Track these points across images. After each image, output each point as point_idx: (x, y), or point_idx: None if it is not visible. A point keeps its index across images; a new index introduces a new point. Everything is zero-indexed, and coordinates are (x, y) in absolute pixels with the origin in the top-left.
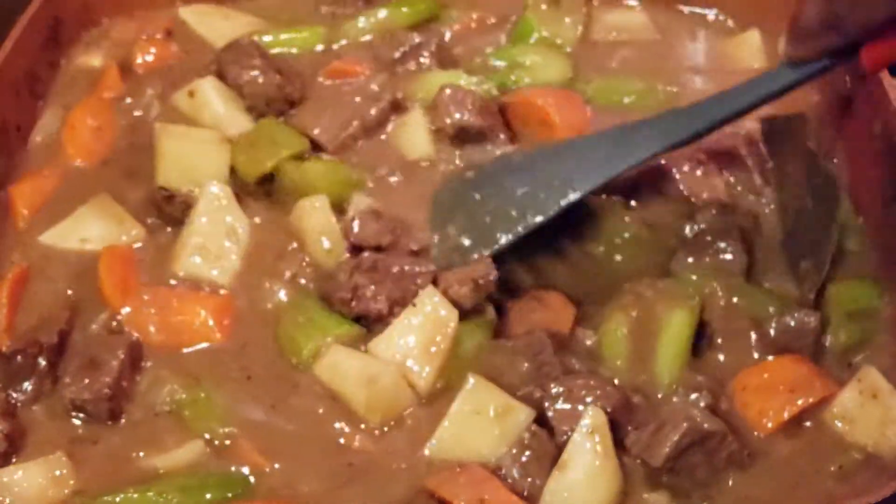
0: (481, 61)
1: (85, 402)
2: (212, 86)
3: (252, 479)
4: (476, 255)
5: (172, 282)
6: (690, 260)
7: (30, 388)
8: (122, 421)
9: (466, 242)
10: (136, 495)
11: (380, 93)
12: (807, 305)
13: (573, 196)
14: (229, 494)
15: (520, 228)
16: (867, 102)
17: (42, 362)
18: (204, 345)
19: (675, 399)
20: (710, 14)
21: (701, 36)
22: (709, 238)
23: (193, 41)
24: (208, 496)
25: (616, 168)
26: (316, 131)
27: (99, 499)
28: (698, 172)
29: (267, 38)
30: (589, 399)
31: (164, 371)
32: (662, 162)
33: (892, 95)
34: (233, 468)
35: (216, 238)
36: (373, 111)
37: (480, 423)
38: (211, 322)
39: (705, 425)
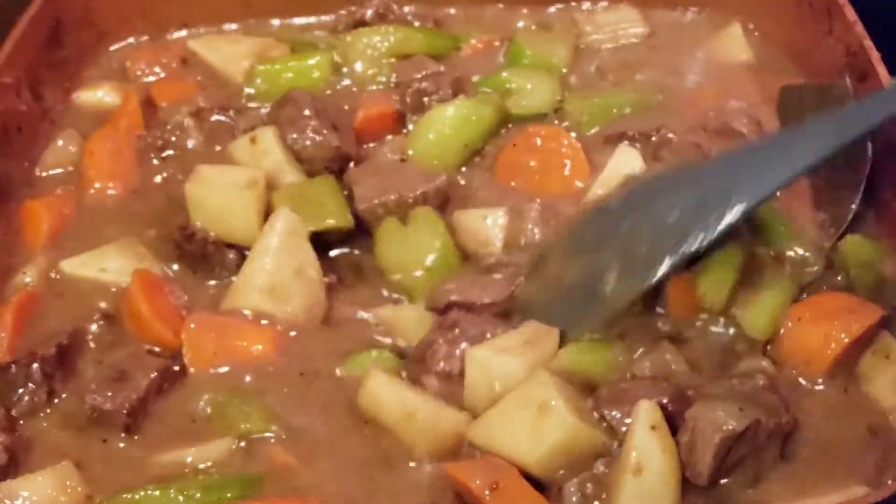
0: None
1: (105, 411)
2: (273, 134)
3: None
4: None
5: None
6: None
7: (25, 398)
8: (136, 437)
9: (613, 275)
10: (156, 492)
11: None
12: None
13: (739, 209)
14: (249, 493)
15: (682, 250)
16: None
17: (37, 372)
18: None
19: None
20: (690, 13)
21: (685, 34)
22: None
23: (208, 70)
24: (229, 494)
25: (782, 175)
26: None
27: (118, 497)
28: None
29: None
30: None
31: (204, 387)
32: None
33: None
34: (255, 469)
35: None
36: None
37: (524, 416)
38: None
39: (734, 426)
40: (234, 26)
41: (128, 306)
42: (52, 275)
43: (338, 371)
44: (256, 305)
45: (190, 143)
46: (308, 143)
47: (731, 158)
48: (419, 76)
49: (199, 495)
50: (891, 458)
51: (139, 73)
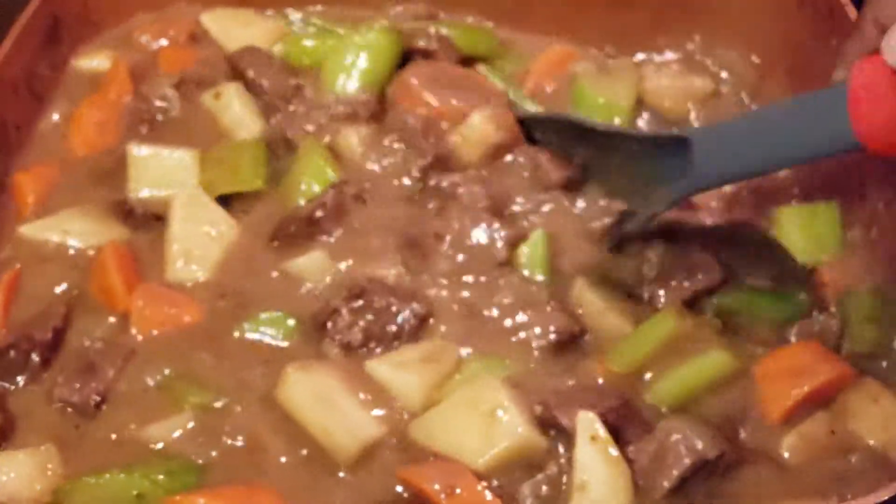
0: None
1: (73, 403)
2: (236, 90)
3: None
4: None
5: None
6: None
7: (22, 382)
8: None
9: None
10: (122, 476)
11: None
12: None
13: None
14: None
15: None
16: None
17: (35, 358)
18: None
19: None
20: None
21: None
22: None
23: (214, 46)
24: (193, 479)
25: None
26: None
27: (83, 479)
28: None
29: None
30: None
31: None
32: None
33: None
34: (213, 453)
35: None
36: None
37: (472, 419)
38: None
39: (707, 453)
40: None
41: (99, 279)
42: (33, 243)
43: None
44: (178, 274)
45: (173, 114)
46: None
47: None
48: None
49: (162, 478)
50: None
51: (144, 41)
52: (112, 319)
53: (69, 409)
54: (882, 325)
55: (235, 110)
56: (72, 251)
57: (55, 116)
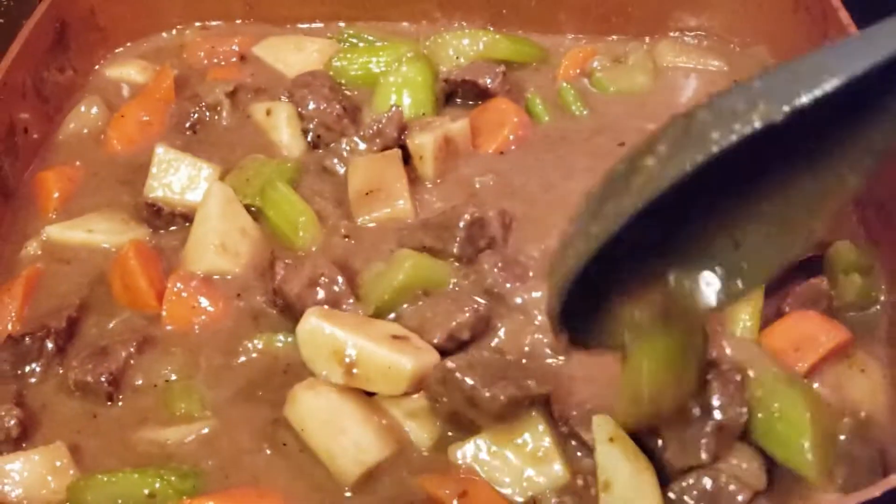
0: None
1: (87, 384)
2: (286, 110)
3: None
4: None
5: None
6: None
7: (38, 369)
8: (120, 403)
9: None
10: (135, 475)
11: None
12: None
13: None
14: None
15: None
16: None
17: (50, 345)
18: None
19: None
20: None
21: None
22: None
23: (266, 66)
24: (203, 483)
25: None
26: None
27: (97, 477)
28: None
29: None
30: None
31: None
32: None
33: None
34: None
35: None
36: None
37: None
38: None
39: (761, 486)
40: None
41: (122, 276)
42: (55, 243)
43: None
44: (211, 264)
45: (223, 122)
46: (314, 107)
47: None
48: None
49: (174, 479)
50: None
51: (196, 57)
52: (127, 313)
53: (85, 398)
54: (864, 272)
55: (282, 130)
56: (95, 250)
57: (85, 110)
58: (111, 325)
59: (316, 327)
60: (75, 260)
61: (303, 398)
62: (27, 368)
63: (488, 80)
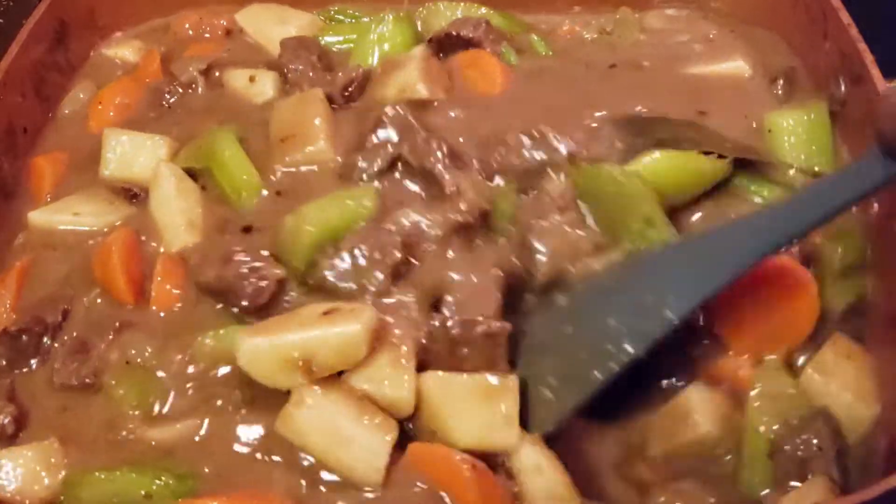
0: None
1: (72, 387)
2: (271, 77)
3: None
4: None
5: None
6: None
7: (35, 365)
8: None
9: (554, 383)
10: (133, 474)
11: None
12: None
13: (668, 321)
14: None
15: (615, 366)
16: (860, 105)
17: (47, 341)
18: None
19: None
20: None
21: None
22: None
23: (247, 40)
24: (201, 485)
25: (718, 279)
26: None
27: (94, 474)
28: None
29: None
30: None
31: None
32: None
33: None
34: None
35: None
36: None
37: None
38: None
39: None
40: None
41: (102, 269)
42: (42, 229)
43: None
44: (184, 243)
45: (198, 95)
46: (301, 68)
47: (671, 255)
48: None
49: (172, 482)
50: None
51: (180, 34)
52: (98, 292)
53: (69, 394)
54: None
55: (268, 95)
56: (83, 233)
57: (78, 94)
58: (87, 307)
59: (251, 348)
60: (63, 245)
61: (297, 417)
62: (25, 366)
63: (471, 31)
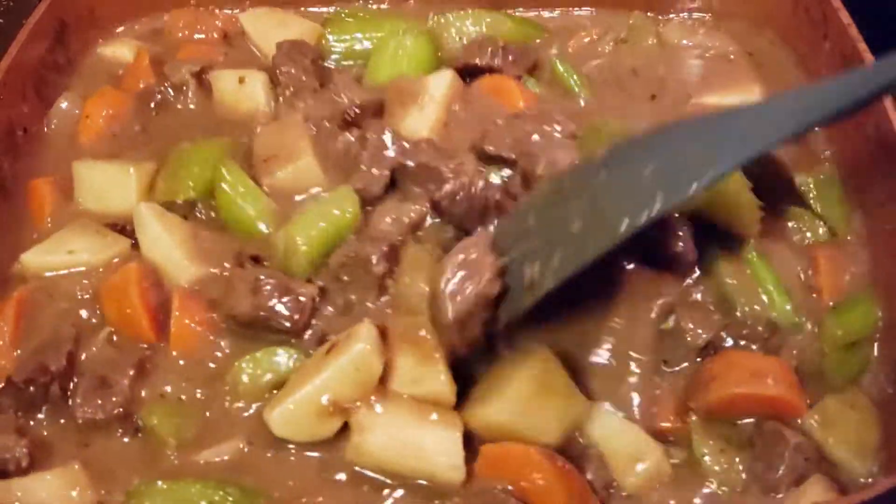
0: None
1: (98, 421)
2: (261, 78)
3: None
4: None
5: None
6: None
7: (44, 414)
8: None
9: (577, 226)
10: (197, 486)
11: None
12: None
13: (713, 173)
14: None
15: (643, 213)
16: None
17: (55, 389)
18: None
19: None
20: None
21: None
22: None
23: (244, 45)
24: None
25: (758, 142)
26: None
27: (157, 484)
28: None
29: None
30: None
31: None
32: None
33: (884, 98)
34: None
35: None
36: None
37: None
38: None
39: None
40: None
41: (119, 306)
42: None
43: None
44: (194, 275)
45: (189, 103)
46: (289, 71)
47: (709, 123)
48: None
49: (238, 495)
50: None
51: (175, 35)
52: (112, 331)
53: (97, 431)
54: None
55: (258, 97)
56: (81, 268)
57: (66, 106)
58: (100, 346)
59: (281, 415)
60: (61, 282)
61: (365, 444)
62: (36, 414)
63: (489, 59)
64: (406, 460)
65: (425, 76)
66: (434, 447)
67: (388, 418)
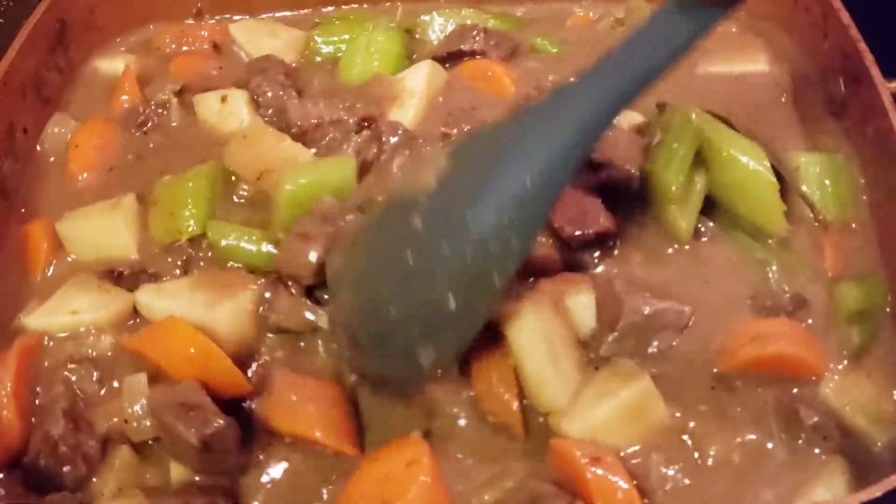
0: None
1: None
2: (243, 96)
3: None
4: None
5: None
6: None
7: (71, 472)
8: None
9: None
10: None
11: None
12: None
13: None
14: None
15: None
16: (860, 106)
17: (65, 451)
18: None
19: None
20: None
21: None
22: None
23: (234, 58)
24: None
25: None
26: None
27: None
28: None
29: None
30: None
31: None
32: None
33: (884, 99)
34: None
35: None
36: None
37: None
38: None
39: None
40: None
41: (201, 363)
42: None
43: None
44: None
45: (173, 122)
46: (269, 93)
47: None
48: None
49: None
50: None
51: (163, 47)
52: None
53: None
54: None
55: (242, 114)
56: (83, 329)
57: (57, 127)
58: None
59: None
60: (66, 342)
61: (528, 320)
62: (62, 479)
63: (472, 44)
64: (542, 355)
65: (401, 75)
66: (565, 366)
67: (547, 318)
